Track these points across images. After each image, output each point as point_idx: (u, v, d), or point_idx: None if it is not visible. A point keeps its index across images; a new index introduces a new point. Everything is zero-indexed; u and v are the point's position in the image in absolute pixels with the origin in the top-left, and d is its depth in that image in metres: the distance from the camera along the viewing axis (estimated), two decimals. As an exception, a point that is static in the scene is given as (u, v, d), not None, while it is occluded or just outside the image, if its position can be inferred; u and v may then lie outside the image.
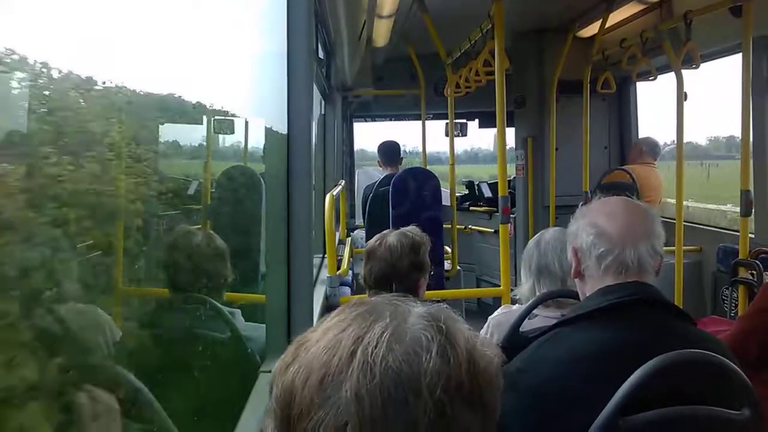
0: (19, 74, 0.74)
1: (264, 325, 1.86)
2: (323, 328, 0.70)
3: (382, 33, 4.55)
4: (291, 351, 0.71)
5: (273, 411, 0.68)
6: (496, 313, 2.20)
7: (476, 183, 7.04)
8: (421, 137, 5.88)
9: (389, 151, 4.98)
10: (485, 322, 2.15)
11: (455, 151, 5.48)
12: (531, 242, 2.13)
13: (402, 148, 5.27)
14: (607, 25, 4.49)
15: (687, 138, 3.52)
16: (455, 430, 0.64)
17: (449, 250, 4.89)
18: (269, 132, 1.94)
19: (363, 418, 0.62)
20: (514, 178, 5.65)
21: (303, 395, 0.65)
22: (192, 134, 1.60)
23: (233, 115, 1.87)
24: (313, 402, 0.64)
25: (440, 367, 0.64)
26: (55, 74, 0.81)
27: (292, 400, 0.66)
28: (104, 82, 0.95)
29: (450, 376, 0.64)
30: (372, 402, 0.62)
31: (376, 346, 0.64)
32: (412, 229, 2.18)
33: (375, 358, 0.64)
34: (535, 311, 1.95)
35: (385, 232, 2.19)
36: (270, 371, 1.80)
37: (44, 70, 0.79)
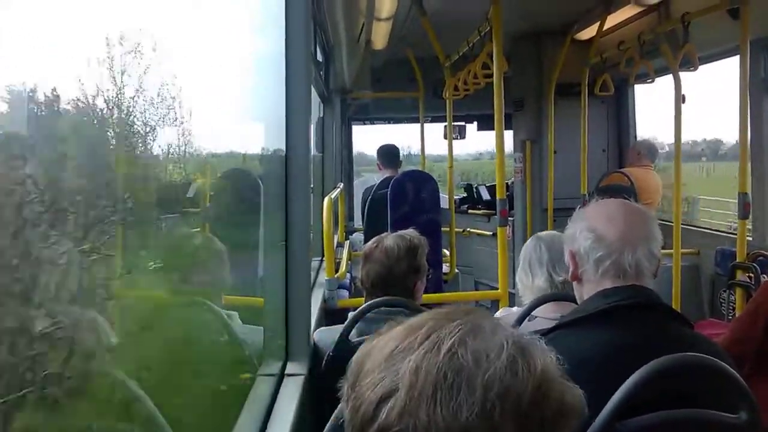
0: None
1: (261, 328, 1.86)
2: (417, 316, 0.74)
3: (380, 36, 4.55)
4: (384, 328, 0.75)
5: (349, 369, 0.74)
6: (496, 315, 2.20)
7: (474, 186, 7.04)
8: (420, 140, 5.89)
9: (389, 154, 4.98)
10: None
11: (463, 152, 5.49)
12: (529, 244, 2.13)
13: (403, 151, 5.27)
14: (605, 28, 4.49)
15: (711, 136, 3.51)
16: None
17: (447, 252, 4.88)
18: (267, 134, 1.94)
19: (412, 388, 0.65)
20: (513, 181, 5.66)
21: (373, 359, 0.70)
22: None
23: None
24: (379, 365, 0.69)
25: (504, 375, 0.65)
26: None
27: (364, 362, 0.71)
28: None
29: (510, 388, 0.65)
30: (426, 378, 0.65)
31: (450, 334, 0.68)
32: (410, 232, 2.18)
33: (445, 343, 0.67)
34: (534, 312, 1.95)
35: (383, 234, 2.19)
36: (268, 374, 1.80)
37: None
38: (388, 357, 0.69)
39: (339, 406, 1.22)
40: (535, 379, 0.66)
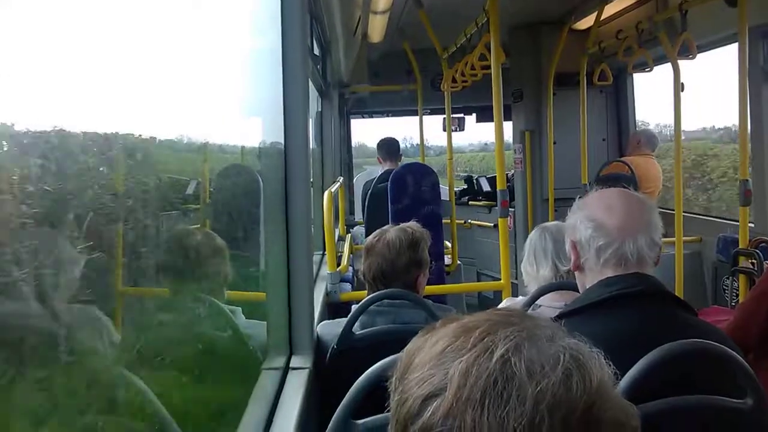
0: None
1: (265, 323, 1.86)
2: (472, 315, 0.73)
3: (377, 29, 4.54)
4: (438, 324, 0.74)
5: (399, 360, 0.73)
6: (501, 305, 2.21)
7: (475, 177, 7.04)
8: (419, 133, 5.89)
9: (389, 148, 4.98)
10: None
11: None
12: (534, 234, 2.14)
13: (405, 143, 5.25)
14: (602, 17, 4.48)
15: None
16: None
17: (449, 244, 4.89)
18: (265, 130, 1.94)
19: (460, 390, 0.63)
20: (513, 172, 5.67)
21: (424, 355, 0.69)
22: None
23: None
24: (430, 361, 0.67)
25: (557, 388, 0.63)
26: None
27: (415, 355, 0.70)
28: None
29: (562, 402, 0.62)
30: (476, 382, 0.63)
31: (505, 340, 0.66)
32: (412, 225, 2.17)
33: (499, 349, 0.65)
34: (538, 301, 1.96)
35: (385, 227, 2.19)
36: (272, 368, 1.80)
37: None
38: (439, 354, 0.67)
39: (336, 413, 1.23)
40: (589, 396, 0.64)
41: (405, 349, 0.73)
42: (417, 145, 6.21)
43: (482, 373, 0.64)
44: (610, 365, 0.70)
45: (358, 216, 5.92)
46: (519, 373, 0.63)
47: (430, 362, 0.67)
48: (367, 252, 2.14)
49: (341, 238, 4.50)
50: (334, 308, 3.02)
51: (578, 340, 0.70)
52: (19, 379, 0.74)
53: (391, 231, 2.13)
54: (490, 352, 0.65)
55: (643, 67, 4.52)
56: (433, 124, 6.76)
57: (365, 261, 2.14)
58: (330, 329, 2.10)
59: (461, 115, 6.91)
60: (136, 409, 1.05)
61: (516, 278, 4.86)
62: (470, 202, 6.61)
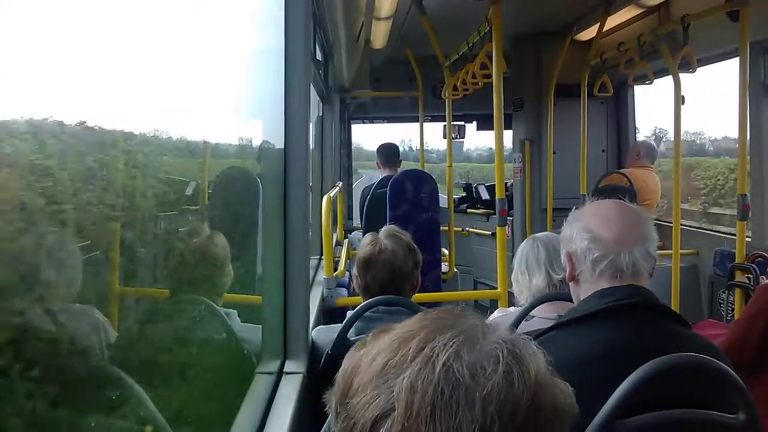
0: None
1: (260, 327, 1.86)
2: (404, 323, 0.72)
3: (380, 35, 4.55)
4: (370, 337, 0.73)
5: (336, 383, 0.72)
6: (492, 316, 2.20)
7: (474, 185, 7.06)
8: (419, 139, 5.90)
9: (389, 153, 4.98)
10: None
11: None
12: (525, 244, 2.14)
13: (404, 146, 5.23)
14: (605, 29, 4.50)
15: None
16: None
17: (446, 252, 4.89)
18: (266, 133, 1.94)
19: (410, 408, 0.63)
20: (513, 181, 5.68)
21: (364, 374, 0.68)
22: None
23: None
24: (372, 381, 0.66)
25: (501, 387, 0.64)
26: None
27: (354, 376, 0.69)
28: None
29: (507, 400, 0.63)
30: (423, 396, 0.63)
31: (444, 348, 0.66)
32: (394, 229, 2.19)
33: (440, 358, 0.65)
34: (531, 312, 1.95)
35: (373, 238, 2.17)
36: (266, 372, 1.80)
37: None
38: (381, 373, 0.66)
39: (328, 419, 1.22)
40: (530, 389, 0.65)
41: (341, 369, 0.72)
42: (416, 149, 6.21)
43: (428, 386, 0.63)
44: (570, 385, 0.70)
45: (357, 221, 5.92)
46: (463, 379, 0.64)
47: (372, 383, 0.66)
48: (367, 264, 2.10)
49: (339, 243, 4.50)
50: (330, 313, 3.02)
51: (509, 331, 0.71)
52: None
53: (384, 240, 2.13)
54: (432, 363, 0.65)
55: (644, 79, 4.54)
56: (434, 131, 6.77)
57: (367, 272, 2.10)
58: (325, 334, 2.10)
59: (462, 122, 6.93)
60: (130, 411, 1.04)
61: (512, 287, 4.85)
62: (468, 210, 6.62)
